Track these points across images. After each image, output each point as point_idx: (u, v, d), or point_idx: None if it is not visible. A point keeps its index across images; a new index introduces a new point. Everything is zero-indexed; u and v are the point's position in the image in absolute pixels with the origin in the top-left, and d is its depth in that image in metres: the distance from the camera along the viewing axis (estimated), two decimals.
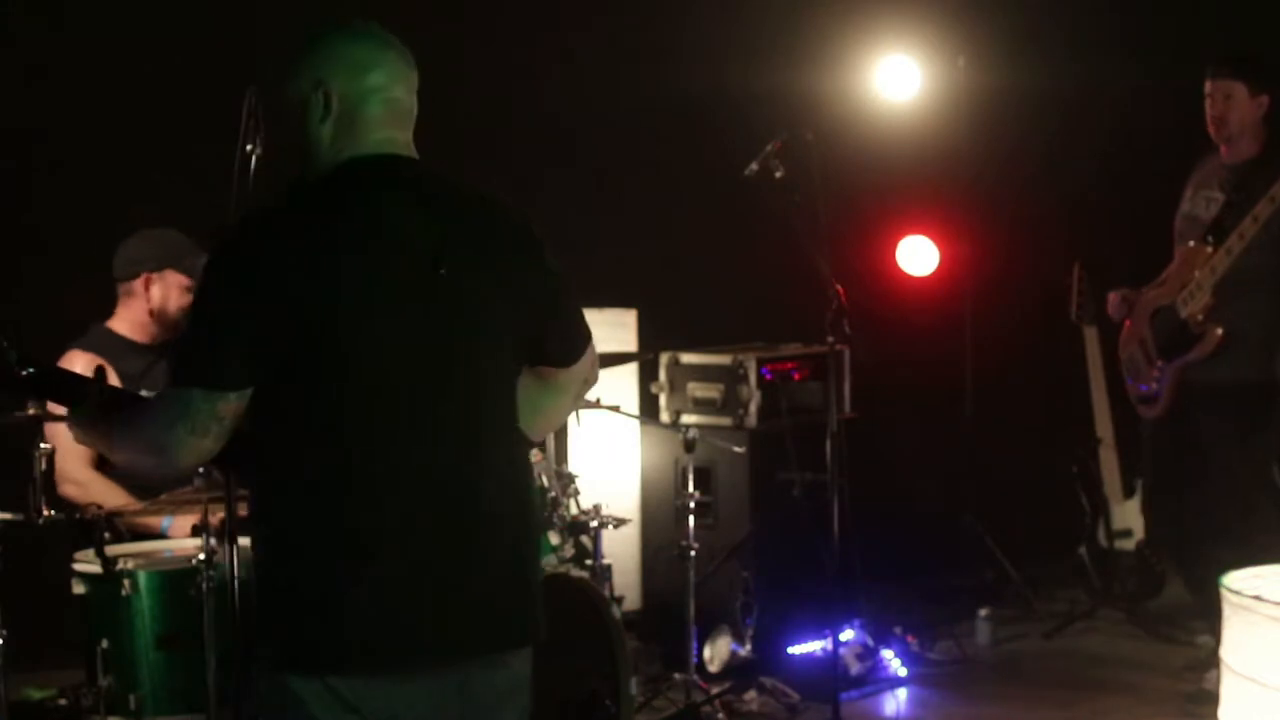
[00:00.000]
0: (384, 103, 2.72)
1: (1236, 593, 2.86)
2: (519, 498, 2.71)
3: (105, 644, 3.91)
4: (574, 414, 5.22)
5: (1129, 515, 6.59)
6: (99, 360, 4.49)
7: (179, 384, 2.55)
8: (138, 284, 4.65)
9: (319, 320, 2.51)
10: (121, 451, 2.73)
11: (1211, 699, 5.03)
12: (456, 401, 2.61)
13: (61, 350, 4.57)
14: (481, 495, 2.60)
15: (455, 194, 2.74)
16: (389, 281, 2.57)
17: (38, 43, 5.75)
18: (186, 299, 4.64)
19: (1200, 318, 5.18)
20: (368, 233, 2.58)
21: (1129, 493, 6.60)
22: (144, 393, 4.39)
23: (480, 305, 2.66)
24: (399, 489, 2.54)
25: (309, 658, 2.51)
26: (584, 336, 2.97)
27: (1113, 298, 5.55)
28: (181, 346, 2.66)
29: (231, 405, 2.53)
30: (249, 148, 3.64)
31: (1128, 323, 5.54)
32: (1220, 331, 5.13)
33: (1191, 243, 5.25)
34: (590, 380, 2.97)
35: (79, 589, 4.02)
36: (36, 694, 4.59)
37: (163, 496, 4.14)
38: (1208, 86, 5.29)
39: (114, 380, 4.38)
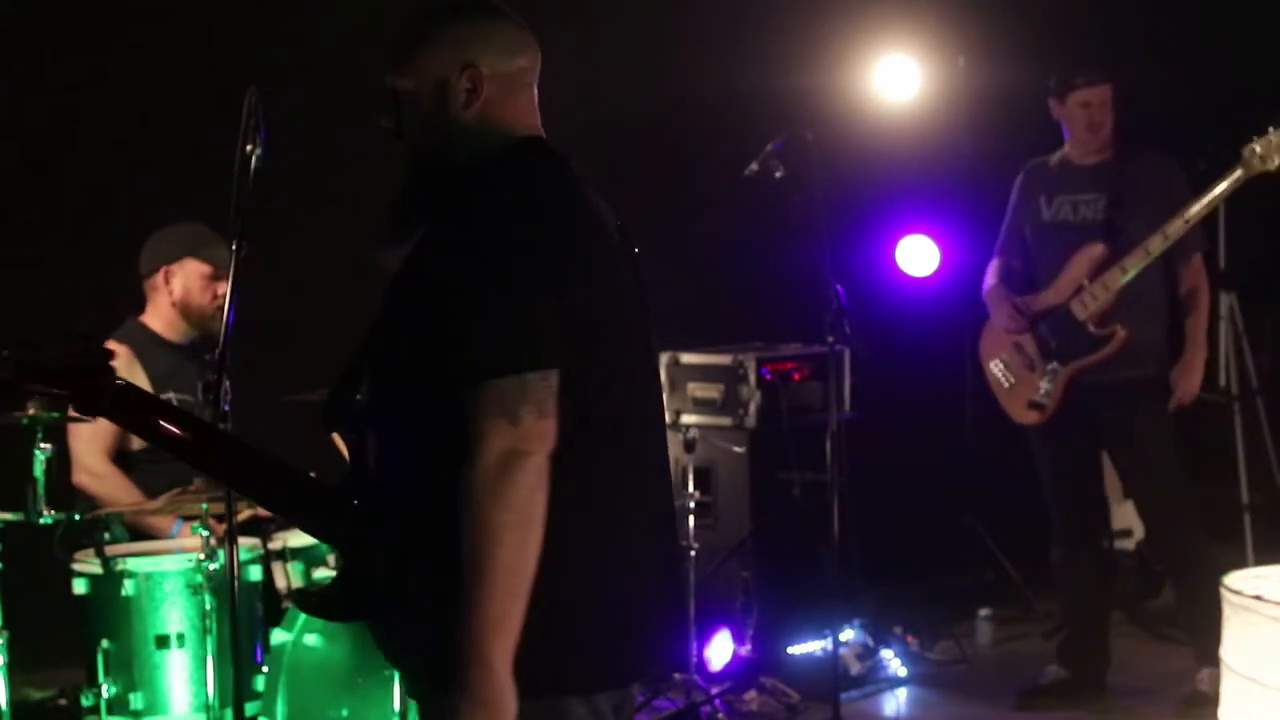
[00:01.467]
0: (528, 88, 2.56)
1: (1236, 593, 2.86)
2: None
3: (105, 644, 3.91)
4: None
5: (1129, 515, 6.59)
6: (130, 352, 4.51)
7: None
8: (159, 278, 4.65)
9: (596, 316, 2.35)
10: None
11: (1210, 700, 5.08)
12: (659, 420, 2.56)
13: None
14: (676, 527, 2.57)
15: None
16: (620, 279, 2.47)
17: (38, 41, 5.76)
18: (209, 289, 4.62)
19: (1098, 320, 5.15)
20: (596, 224, 2.47)
21: (1129, 493, 6.59)
22: (169, 396, 4.42)
23: (649, 315, 2.54)
24: (650, 511, 2.45)
25: (592, 678, 2.36)
26: None
27: (1006, 309, 5.35)
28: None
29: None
30: (249, 148, 3.64)
31: (987, 332, 5.46)
32: (1124, 334, 5.12)
33: (1096, 247, 5.16)
34: None
35: (79, 589, 4.02)
36: (36, 694, 4.60)
37: (169, 494, 4.14)
38: (1084, 95, 5.20)
39: (140, 378, 4.42)
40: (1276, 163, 4.85)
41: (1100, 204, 5.21)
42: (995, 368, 5.44)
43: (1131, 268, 5.08)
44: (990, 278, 5.43)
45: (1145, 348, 5.19)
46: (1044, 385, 5.27)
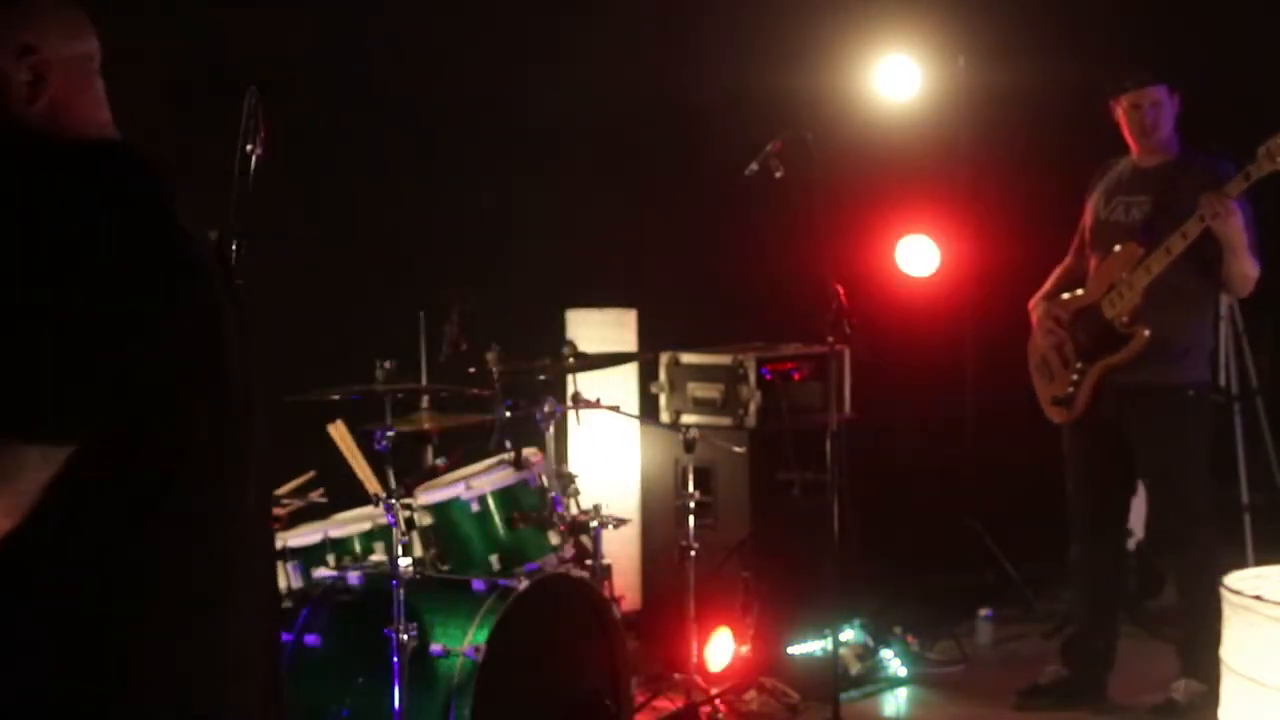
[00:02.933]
0: (96, 77, 2.13)
1: (1237, 593, 2.86)
2: None
3: None
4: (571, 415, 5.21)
5: (1129, 515, 6.58)
6: None
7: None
8: None
9: (171, 376, 2.00)
10: None
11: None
12: (257, 514, 2.23)
13: None
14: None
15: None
16: (216, 325, 2.08)
17: None
18: None
19: (1126, 319, 5.14)
20: (187, 256, 2.04)
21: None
22: None
23: (255, 369, 2.20)
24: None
25: None
26: None
27: (1042, 326, 5.41)
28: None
29: None
30: (249, 148, 3.64)
31: (1035, 328, 5.48)
32: (1147, 334, 5.10)
33: (1117, 247, 5.18)
34: None
35: None
36: None
37: None
38: (1133, 98, 5.17)
39: None
40: None
41: (1147, 206, 5.19)
42: (1036, 365, 5.45)
43: (1155, 267, 5.07)
44: (1047, 284, 5.46)
45: (1175, 351, 5.14)
46: (1072, 384, 5.27)
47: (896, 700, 5.55)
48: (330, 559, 4.55)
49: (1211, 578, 5.12)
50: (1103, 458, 5.31)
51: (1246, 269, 5.04)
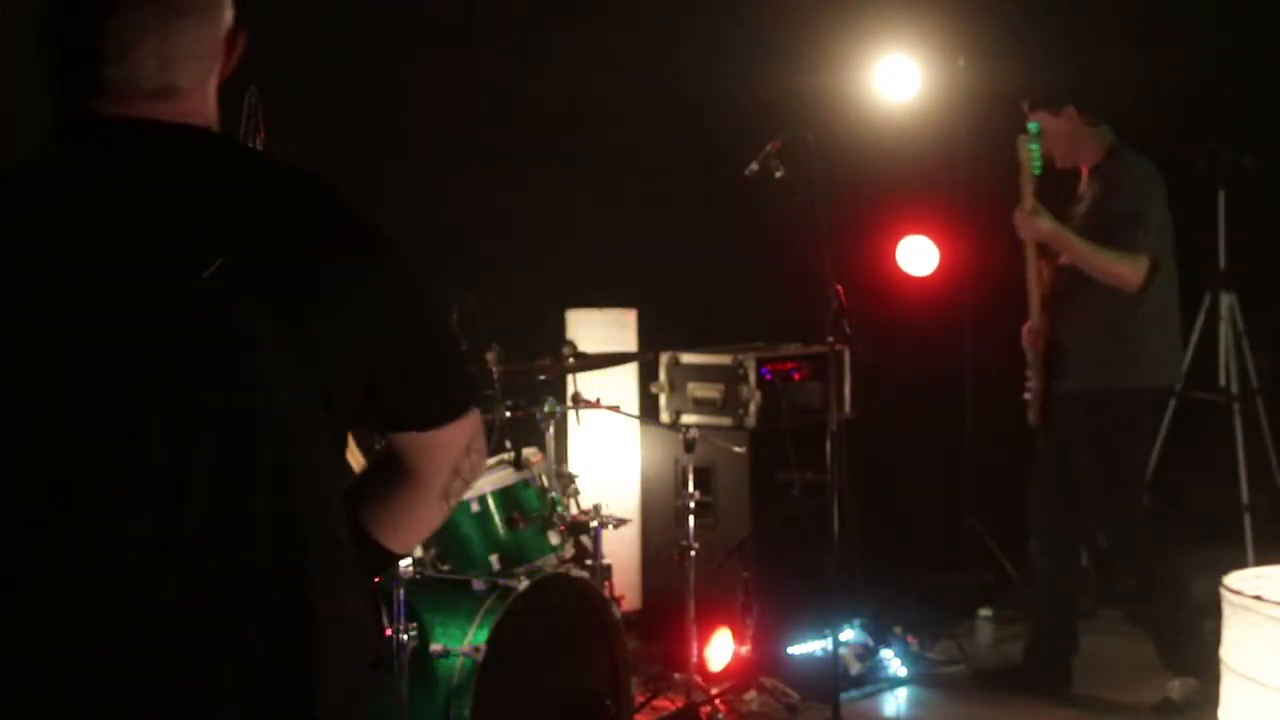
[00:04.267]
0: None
1: (1237, 593, 2.86)
2: None
3: None
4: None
5: None
6: None
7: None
8: None
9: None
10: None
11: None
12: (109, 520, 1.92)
13: None
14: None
15: None
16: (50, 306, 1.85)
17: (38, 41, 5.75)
18: None
19: (1030, 334, 5.39)
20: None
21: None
22: None
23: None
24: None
25: None
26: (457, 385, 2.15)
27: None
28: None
29: None
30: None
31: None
32: (1041, 343, 5.33)
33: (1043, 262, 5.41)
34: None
35: None
36: None
37: None
38: (1038, 118, 5.37)
39: None
40: None
41: (1078, 212, 5.36)
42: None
43: (1042, 279, 5.33)
44: None
45: (1080, 360, 5.28)
46: (1028, 389, 5.46)
47: (896, 700, 5.55)
48: None
49: (1166, 579, 5.24)
50: (1048, 460, 5.46)
51: (1098, 267, 5.19)
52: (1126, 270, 5.16)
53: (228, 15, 1.97)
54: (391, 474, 2.11)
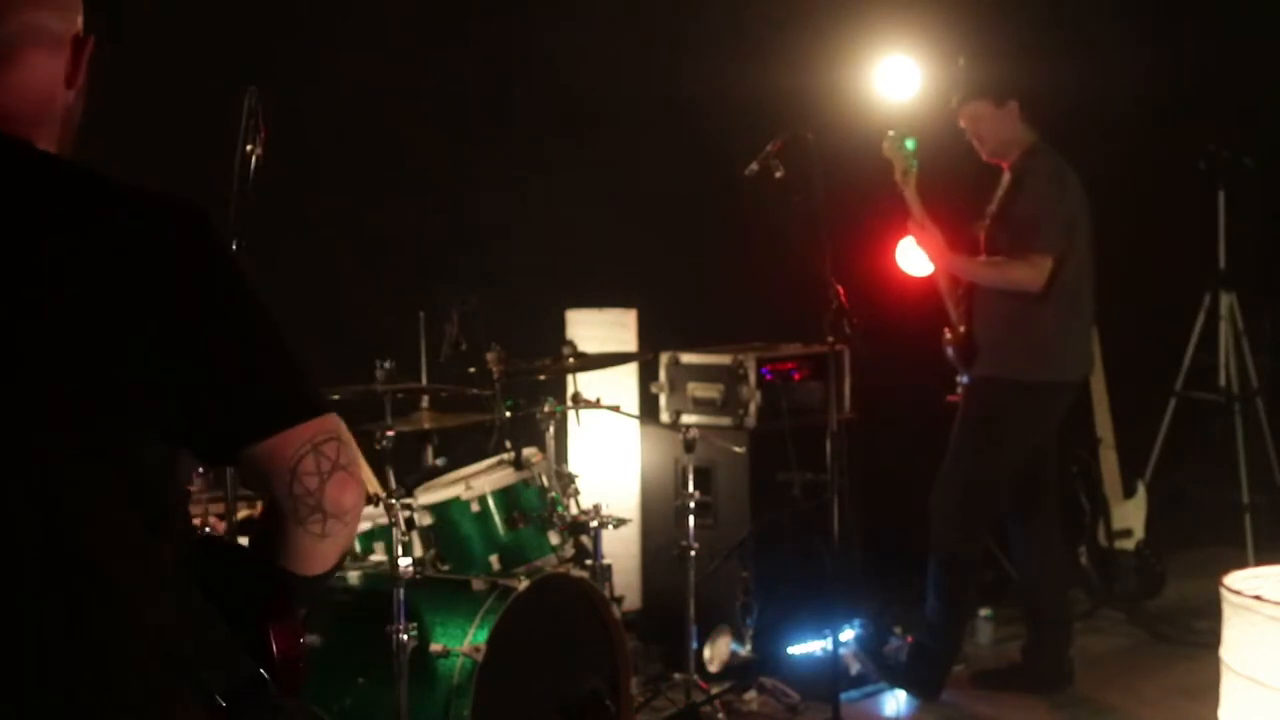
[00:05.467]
0: None
1: (1237, 593, 2.86)
2: None
3: None
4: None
5: (1129, 515, 6.59)
6: None
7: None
8: None
9: None
10: None
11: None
12: None
13: None
14: None
15: None
16: None
17: None
18: None
19: (948, 333, 5.55)
20: None
21: (1129, 493, 6.60)
22: None
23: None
24: None
25: None
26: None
27: None
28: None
29: None
30: (249, 148, 3.64)
31: None
32: (947, 336, 5.53)
33: None
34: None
35: None
36: None
37: None
38: (960, 114, 5.49)
39: None
40: None
41: (990, 211, 5.51)
42: None
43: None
44: None
45: (976, 349, 5.44)
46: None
47: (896, 700, 5.54)
48: None
49: (938, 560, 5.37)
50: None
51: (994, 280, 5.35)
52: (1023, 275, 5.24)
53: None
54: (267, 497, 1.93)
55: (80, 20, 1.92)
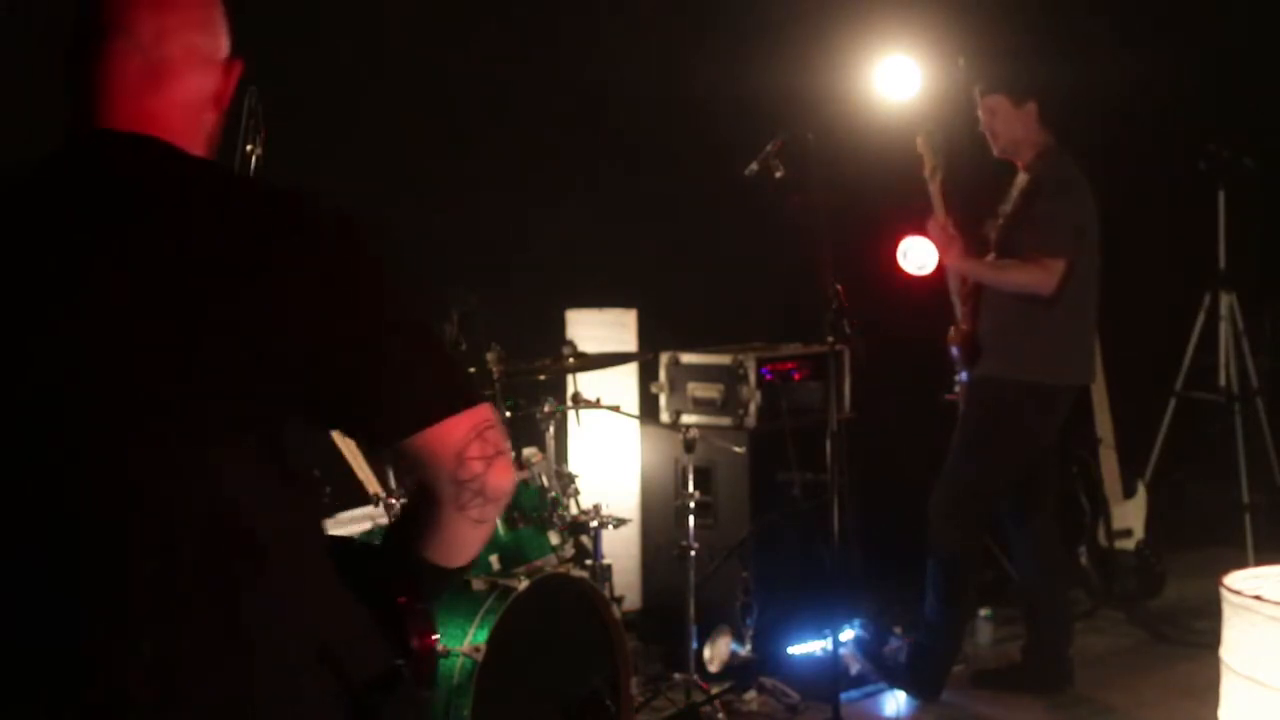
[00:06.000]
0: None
1: (1236, 593, 2.86)
2: None
3: None
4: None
5: (1129, 515, 6.59)
6: None
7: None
8: None
9: None
10: None
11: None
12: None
13: None
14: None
15: None
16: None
17: (39, 41, 5.75)
18: None
19: (953, 332, 5.59)
20: None
21: (1129, 493, 6.60)
22: None
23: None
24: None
25: None
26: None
27: None
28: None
29: None
30: (249, 148, 3.63)
31: None
32: (951, 333, 5.58)
33: None
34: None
35: None
36: None
37: None
38: (980, 105, 5.49)
39: None
40: None
41: (1004, 210, 5.52)
42: None
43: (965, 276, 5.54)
44: None
45: (980, 347, 5.46)
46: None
47: (896, 700, 5.54)
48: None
49: (938, 560, 5.36)
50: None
51: (1007, 283, 5.34)
52: (1035, 279, 5.25)
53: None
54: (417, 487, 2.03)
55: (229, 44, 2.05)
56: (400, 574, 2.04)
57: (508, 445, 2.01)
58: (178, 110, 1.97)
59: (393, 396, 1.92)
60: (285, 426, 1.92)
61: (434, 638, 2.07)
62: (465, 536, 2.01)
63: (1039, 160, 5.38)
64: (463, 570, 2.07)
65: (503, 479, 1.97)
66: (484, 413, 1.96)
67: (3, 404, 1.85)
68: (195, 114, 2.00)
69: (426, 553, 2.02)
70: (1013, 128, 5.40)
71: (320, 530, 2.05)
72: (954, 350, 5.56)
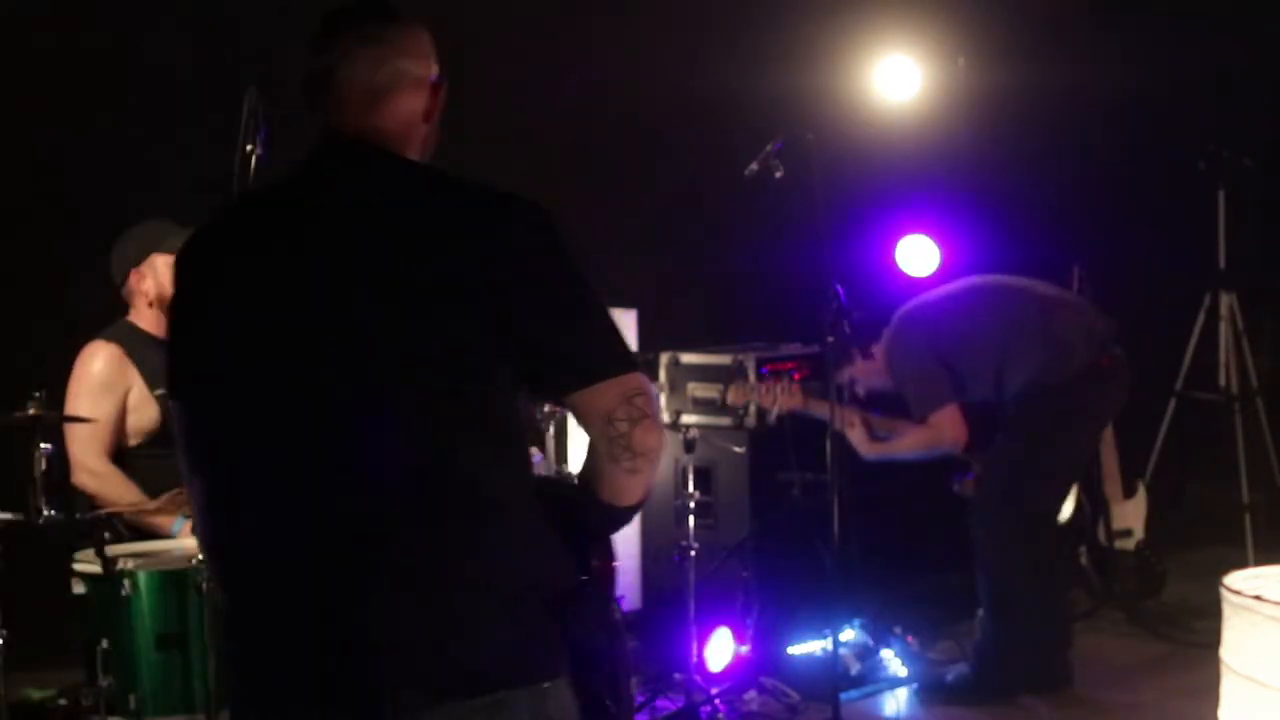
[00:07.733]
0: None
1: (1236, 593, 2.86)
2: None
3: (105, 644, 3.91)
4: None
5: (1129, 515, 6.59)
6: (120, 351, 4.52)
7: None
8: (132, 282, 4.65)
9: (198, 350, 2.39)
10: None
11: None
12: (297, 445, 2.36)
13: (83, 341, 4.58)
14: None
15: None
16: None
17: (40, 41, 5.76)
18: None
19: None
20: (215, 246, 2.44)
21: (1129, 493, 6.59)
22: (161, 392, 4.41)
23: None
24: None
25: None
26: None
27: None
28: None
29: None
30: (249, 148, 3.64)
31: None
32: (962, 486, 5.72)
33: None
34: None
35: (79, 589, 4.02)
36: (36, 694, 4.59)
37: (170, 494, 4.15)
38: None
39: (134, 376, 4.46)
40: None
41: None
42: None
43: None
44: None
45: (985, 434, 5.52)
46: None
47: (896, 700, 5.54)
48: None
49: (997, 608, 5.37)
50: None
51: (912, 452, 5.54)
52: (935, 438, 5.40)
53: None
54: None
55: (435, 67, 2.52)
56: (584, 508, 2.41)
57: (655, 409, 2.31)
58: (393, 124, 2.40)
59: (567, 359, 2.27)
60: (496, 382, 2.23)
61: (613, 562, 2.60)
62: (622, 482, 2.36)
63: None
64: (632, 509, 2.43)
65: (648, 437, 2.29)
66: (634, 380, 2.28)
67: (265, 366, 2.22)
68: (409, 128, 2.45)
69: (599, 493, 2.38)
70: (873, 375, 5.59)
71: (529, 472, 2.38)
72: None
